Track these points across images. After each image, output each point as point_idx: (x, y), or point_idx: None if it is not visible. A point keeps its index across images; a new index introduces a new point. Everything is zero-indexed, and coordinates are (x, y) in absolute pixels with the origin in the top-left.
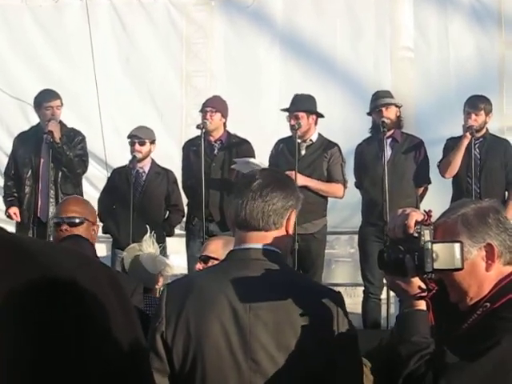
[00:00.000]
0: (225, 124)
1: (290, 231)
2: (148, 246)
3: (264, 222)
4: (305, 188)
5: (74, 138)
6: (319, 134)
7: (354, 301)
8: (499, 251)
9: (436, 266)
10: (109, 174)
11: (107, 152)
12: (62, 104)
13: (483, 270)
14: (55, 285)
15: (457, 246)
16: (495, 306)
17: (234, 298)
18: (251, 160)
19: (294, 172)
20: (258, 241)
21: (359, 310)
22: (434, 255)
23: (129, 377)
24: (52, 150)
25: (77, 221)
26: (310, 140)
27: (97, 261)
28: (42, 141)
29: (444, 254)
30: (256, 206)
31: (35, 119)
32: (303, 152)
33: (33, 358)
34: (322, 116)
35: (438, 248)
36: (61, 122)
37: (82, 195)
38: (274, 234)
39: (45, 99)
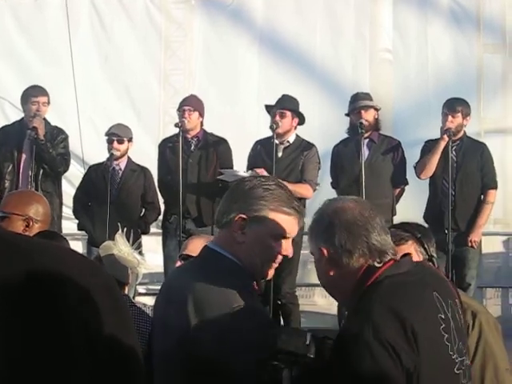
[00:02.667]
0: (201, 123)
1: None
2: (121, 244)
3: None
4: None
5: (57, 136)
6: (296, 135)
7: (329, 301)
8: None
9: None
10: None
11: (84, 150)
12: (48, 102)
13: None
14: (43, 279)
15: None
16: None
17: None
18: (238, 172)
19: (262, 169)
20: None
21: (335, 310)
22: None
23: (118, 374)
24: (35, 147)
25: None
26: (288, 141)
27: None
28: (25, 136)
29: None
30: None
31: (13, 116)
32: (280, 154)
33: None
34: (303, 123)
35: None
36: (45, 120)
37: (61, 194)
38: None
39: (32, 94)
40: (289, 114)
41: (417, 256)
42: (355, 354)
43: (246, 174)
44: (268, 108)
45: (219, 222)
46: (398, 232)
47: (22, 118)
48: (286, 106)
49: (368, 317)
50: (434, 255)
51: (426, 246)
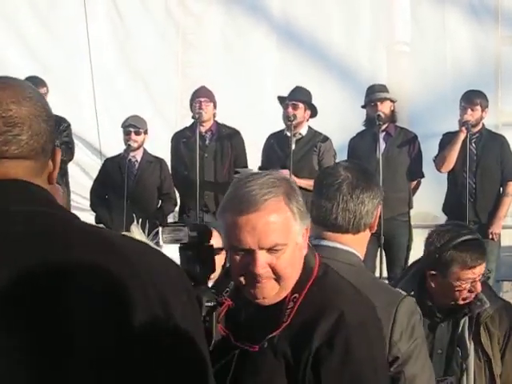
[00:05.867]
0: (214, 114)
1: (375, 228)
2: (137, 234)
3: (355, 225)
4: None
5: (58, 125)
6: (309, 127)
7: None
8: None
9: None
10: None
11: (101, 141)
12: (47, 91)
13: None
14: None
15: None
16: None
17: None
18: (253, 171)
19: (287, 170)
20: (345, 243)
21: None
22: None
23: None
24: None
25: None
26: (300, 134)
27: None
28: None
29: None
30: (349, 209)
31: None
32: (293, 146)
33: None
34: (315, 115)
35: None
36: None
37: (67, 182)
38: (360, 236)
39: None
40: (301, 105)
41: None
42: None
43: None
44: (280, 99)
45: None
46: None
47: None
48: (298, 97)
49: None
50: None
51: None
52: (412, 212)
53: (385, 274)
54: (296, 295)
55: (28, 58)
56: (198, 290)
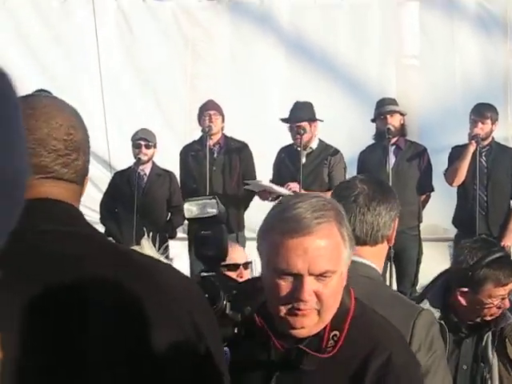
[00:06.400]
0: (223, 128)
1: (393, 240)
2: (147, 248)
3: (373, 236)
4: None
5: None
6: (320, 140)
7: None
8: None
9: None
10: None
11: (111, 153)
12: None
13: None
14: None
15: None
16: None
17: None
18: (263, 182)
19: (296, 183)
20: (363, 255)
21: None
22: None
23: None
24: None
25: None
26: (310, 148)
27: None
28: None
29: None
30: (366, 221)
31: None
32: (303, 160)
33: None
34: (321, 121)
35: None
36: None
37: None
38: (377, 248)
39: None
40: (306, 124)
41: None
42: None
43: (268, 184)
44: (284, 121)
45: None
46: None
47: None
48: (300, 117)
49: None
50: None
51: None
52: (422, 225)
53: (394, 287)
54: (336, 332)
55: (37, 69)
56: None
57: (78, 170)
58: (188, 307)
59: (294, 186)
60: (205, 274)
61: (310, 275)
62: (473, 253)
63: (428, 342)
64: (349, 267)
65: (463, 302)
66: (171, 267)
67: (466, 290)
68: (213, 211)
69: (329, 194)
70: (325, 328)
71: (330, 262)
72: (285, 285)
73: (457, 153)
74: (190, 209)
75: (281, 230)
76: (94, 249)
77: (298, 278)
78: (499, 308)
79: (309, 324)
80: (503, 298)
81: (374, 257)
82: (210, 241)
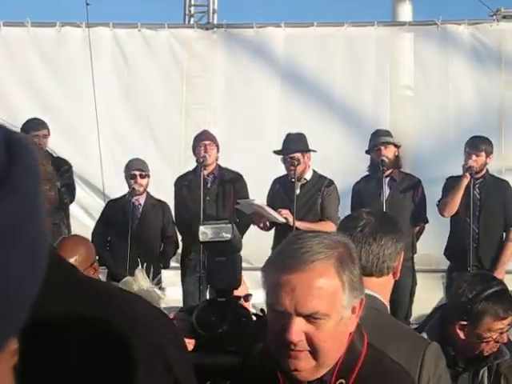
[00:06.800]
0: (217, 158)
1: (398, 274)
2: (141, 279)
3: (378, 267)
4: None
5: (60, 167)
6: (314, 171)
7: None
8: None
9: None
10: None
11: (105, 182)
12: (48, 133)
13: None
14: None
15: None
16: None
17: None
18: (255, 202)
19: (287, 210)
20: (369, 287)
21: None
22: None
23: None
24: None
25: None
26: (305, 179)
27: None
28: None
29: None
30: (372, 251)
31: None
32: (298, 191)
33: None
34: (314, 151)
35: None
36: (47, 152)
37: (69, 224)
38: (383, 280)
39: (32, 127)
40: (299, 155)
41: None
42: None
43: (260, 202)
44: (277, 153)
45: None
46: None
47: None
48: (293, 149)
49: None
50: None
51: None
52: (415, 256)
53: None
54: (342, 381)
55: (32, 99)
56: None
57: (51, 201)
58: (157, 340)
59: (286, 213)
60: (219, 299)
61: (299, 315)
62: (472, 286)
63: (437, 376)
64: None
65: (461, 335)
66: (139, 297)
67: (464, 323)
68: (227, 236)
69: (322, 224)
70: (332, 374)
71: (320, 303)
72: (276, 323)
73: (451, 184)
74: (205, 232)
75: (275, 264)
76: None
77: (286, 317)
78: (497, 342)
79: (304, 367)
80: (501, 333)
81: (380, 289)
82: (223, 267)
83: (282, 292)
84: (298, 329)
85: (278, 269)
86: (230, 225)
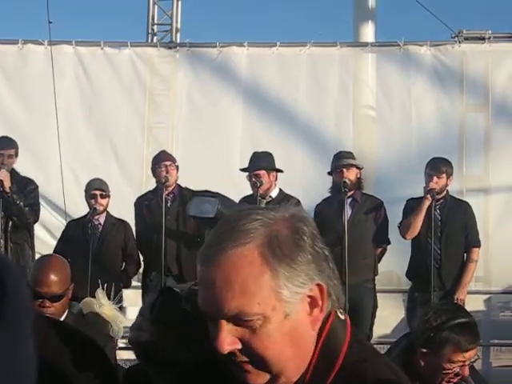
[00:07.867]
0: (177, 178)
1: None
2: (102, 299)
3: None
4: None
5: (25, 186)
6: (280, 190)
7: None
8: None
9: None
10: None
11: (66, 201)
12: (16, 154)
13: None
14: None
15: None
16: None
17: None
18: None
19: None
20: None
21: None
22: None
23: None
24: (2, 199)
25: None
26: (270, 196)
27: None
28: None
29: None
30: None
31: None
32: None
33: None
34: (281, 171)
35: None
36: (13, 171)
37: (33, 245)
38: None
39: None
40: (264, 172)
41: None
42: None
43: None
44: (243, 170)
45: None
46: None
47: None
48: (258, 166)
49: None
50: None
51: None
52: (376, 278)
53: None
54: None
55: None
56: None
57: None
58: None
59: None
60: (195, 288)
61: (223, 318)
62: (437, 314)
63: None
64: None
65: (422, 362)
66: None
67: (425, 351)
68: (211, 214)
69: None
70: (303, 381)
71: (245, 301)
72: (211, 330)
73: (412, 205)
74: (191, 208)
75: (198, 257)
76: None
77: (212, 322)
78: (457, 375)
79: (256, 380)
80: (463, 366)
81: None
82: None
83: (203, 291)
84: (227, 335)
85: (198, 262)
86: (216, 199)
